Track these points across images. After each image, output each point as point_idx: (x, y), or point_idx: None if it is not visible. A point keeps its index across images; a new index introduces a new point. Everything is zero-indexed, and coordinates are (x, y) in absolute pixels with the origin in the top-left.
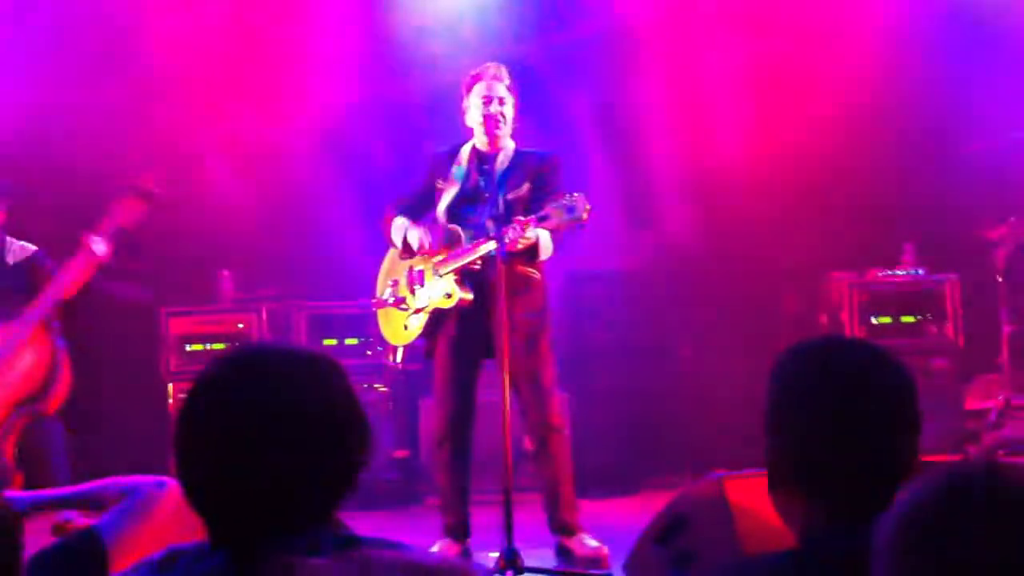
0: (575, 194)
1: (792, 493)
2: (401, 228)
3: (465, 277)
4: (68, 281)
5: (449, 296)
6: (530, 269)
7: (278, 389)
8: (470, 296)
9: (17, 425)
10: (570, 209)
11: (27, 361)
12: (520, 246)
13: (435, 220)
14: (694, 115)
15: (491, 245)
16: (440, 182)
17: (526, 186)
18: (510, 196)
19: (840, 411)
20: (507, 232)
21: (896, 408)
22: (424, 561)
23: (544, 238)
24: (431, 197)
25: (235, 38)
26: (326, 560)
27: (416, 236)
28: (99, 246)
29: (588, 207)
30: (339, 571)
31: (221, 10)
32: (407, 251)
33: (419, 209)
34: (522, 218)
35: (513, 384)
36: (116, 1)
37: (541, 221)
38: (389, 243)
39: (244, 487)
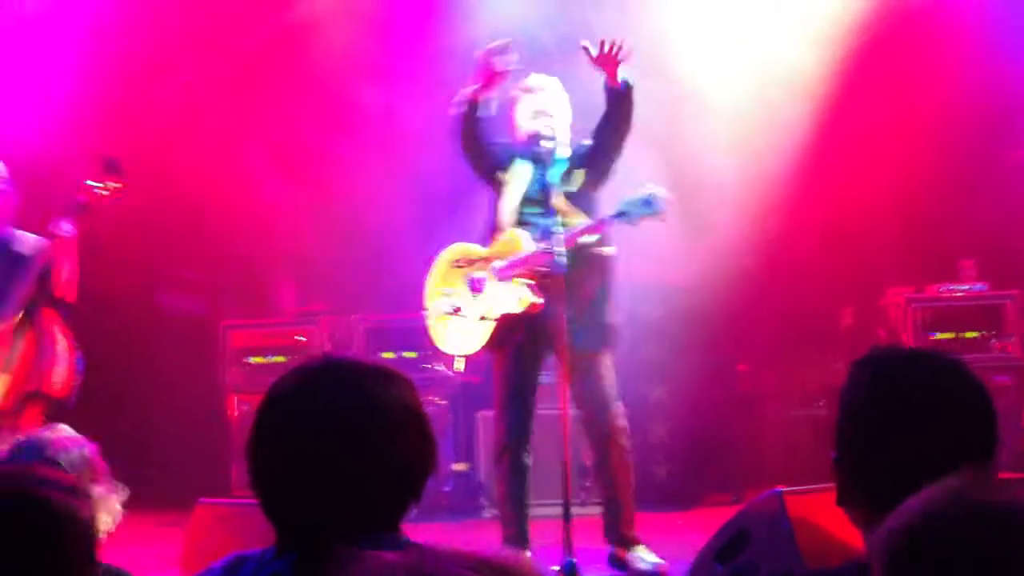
0: (650, 186)
1: (872, 503)
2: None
3: (534, 279)
4: (37, 271)
5: (519, 301)
6: (603, 249)
7: (349, 401)
8: (540, 300)
9: (26, 414)
10: (647, 203)
11: (20, 352)
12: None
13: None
14: (750, 129)
15: (557, 250)
16: (501, 173)
17: (578, 174)
18: (571, 190)
19: (933, 426)
20: (567, 240)
21: (985, 423)
22: (486, 555)
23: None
24: (497, 181)
25: (289, 51)
26: (392, 553)
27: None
28: (64, 227)
29: (666, 196)
30: (404, 564)
31: (275, 23)
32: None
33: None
34: (597, 219)
35: (575, 397)
36: (165, 9)
37: (619, 218)
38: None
39: (315, 495)
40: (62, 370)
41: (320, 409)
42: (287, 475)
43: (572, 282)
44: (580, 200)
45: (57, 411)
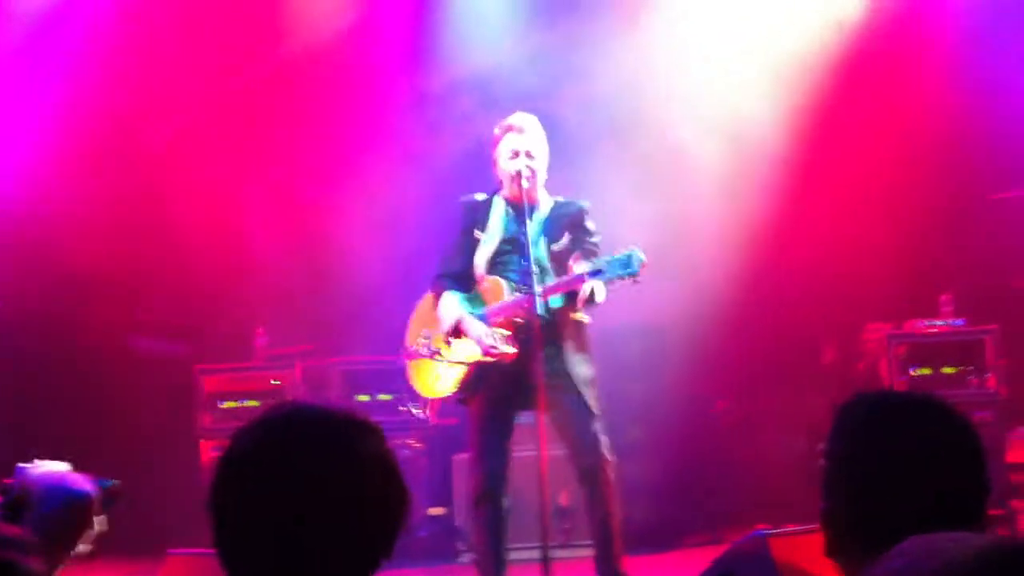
0: (630, 248)
1: (864, 556)
2: (453, 310)
3: (510, 330)
4: None
5: (493, 350)
6: (580, 316)
7: (314, 453)
8: (513, 351)
9: None
10: (624, 264)
11: None
12: (559, 294)
13: (473, 272)
14: (729, 166)
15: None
16: (478, 232)
17: (565, 237)
18: (553, 248)
19: (927, 473)
20: (544, 293)
21: (978, 468)
22: None
23: (598, 286)
24: (474, 248)
25: (271, 97)
26: None
27: (478, 333)
28: None
29: (643, 260)
30: None
31: (260, 68)
32: (454, 334)
33: (467, 270)
34: (574, 275)
35: (561, 432)
36: (155, 54)
37: (594, 276)
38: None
39: (281, 553)
40: None
41: (283, 467)
42: (247, 534)
43: (549, 334)
44: (564, 258)
45: None
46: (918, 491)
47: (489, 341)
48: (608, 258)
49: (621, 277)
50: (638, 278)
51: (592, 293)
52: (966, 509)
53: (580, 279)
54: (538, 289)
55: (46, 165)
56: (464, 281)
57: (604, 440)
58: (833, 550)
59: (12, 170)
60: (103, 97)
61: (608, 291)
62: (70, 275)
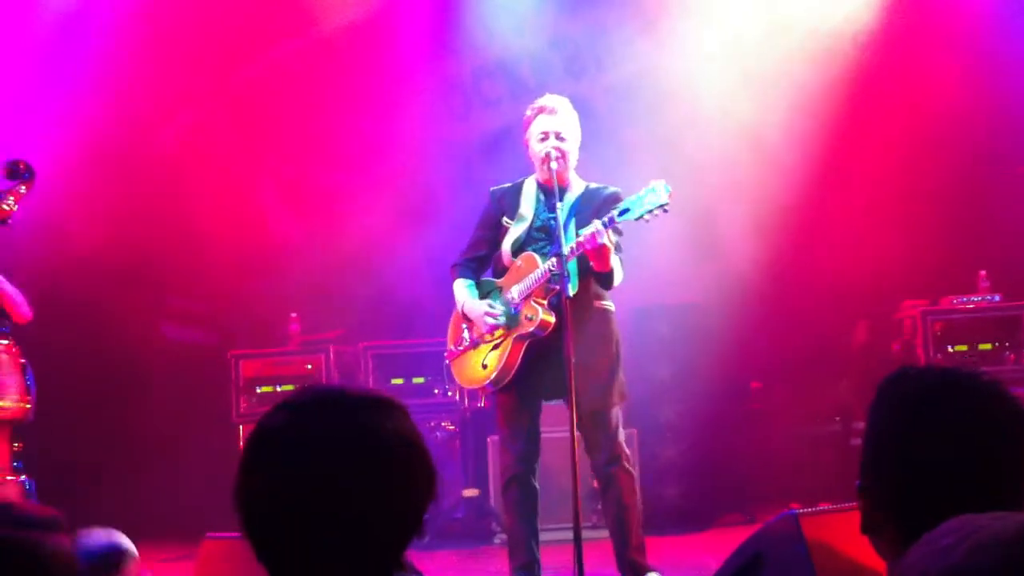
0: (653, 182)
1: (902, 534)
2: (463, 295)
3: (545, 298)
4: None
5: (530, 319)
6: (605, 303)
7: (335, 433)
8: (552, 318)
9: None
10: (651, 192)
11: None
12: (602, 241)
13: (500, 255)
14: (757, 145)
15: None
16: (506, 219)
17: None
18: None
19: (970, 452)
20: (575, 250)
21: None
22: None
23: (614, 262)
24: (499, 235)
25: (299, 85)
26: None
27: (478, 313)
28: None
29: (669, 189)
30: None
31: (284, 58)
32: (466, 318)
33: (489, 257)
34: (603, 220)
35: (579, 422)
36: (173, 49)
37: (624, 216)
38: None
39: (310, 534)
40: (11, 392)
41: (311, 445)
42: (276, 514)
43: (573, 319)
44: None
45: (20, 433)
46: (960, 468)
47: (489, 321)
48: (631, 195)
49: (652, 209)
50: (666, 206)
51: (611, 272)
52: (1008, 487)
53: (609, 222)
54: (565, 250)
55: (75, 160)
56: (486, 266)
57: (622, 434)
58: (870, 527)
59: (40, 166)
60: (127, 89)
61: (644, 220)
62: (102, 268)
